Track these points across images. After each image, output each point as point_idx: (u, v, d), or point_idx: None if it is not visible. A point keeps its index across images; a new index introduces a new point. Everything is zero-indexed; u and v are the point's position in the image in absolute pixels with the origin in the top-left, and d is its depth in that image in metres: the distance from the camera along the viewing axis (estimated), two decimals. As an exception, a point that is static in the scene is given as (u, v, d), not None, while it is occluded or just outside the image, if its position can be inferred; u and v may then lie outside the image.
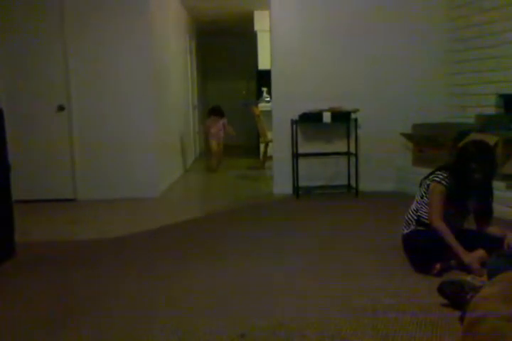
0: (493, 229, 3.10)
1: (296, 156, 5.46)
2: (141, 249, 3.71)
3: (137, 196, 5.52)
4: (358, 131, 5.52)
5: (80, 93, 5.48)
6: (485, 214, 3.13)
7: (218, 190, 6.60)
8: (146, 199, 5.47)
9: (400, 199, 5.05)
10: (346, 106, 5.45)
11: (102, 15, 5.41)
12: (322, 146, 5.66)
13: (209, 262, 3.32)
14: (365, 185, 5.62)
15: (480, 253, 2.86)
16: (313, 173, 5.69)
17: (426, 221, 3.08)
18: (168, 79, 6.67)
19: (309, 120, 5.41)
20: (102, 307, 2.63)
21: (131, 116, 5.54)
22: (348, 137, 5.65)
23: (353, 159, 5.56)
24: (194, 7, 8.58)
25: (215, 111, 8.03)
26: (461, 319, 2.15)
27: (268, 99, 8.67)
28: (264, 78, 8.21)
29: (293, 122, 5.44)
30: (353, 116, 5.39)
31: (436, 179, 3.03)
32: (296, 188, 5.55)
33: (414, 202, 3.21)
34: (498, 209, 3.72)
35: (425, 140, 5.23)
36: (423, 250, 2.98)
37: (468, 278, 2.55)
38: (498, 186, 3.98)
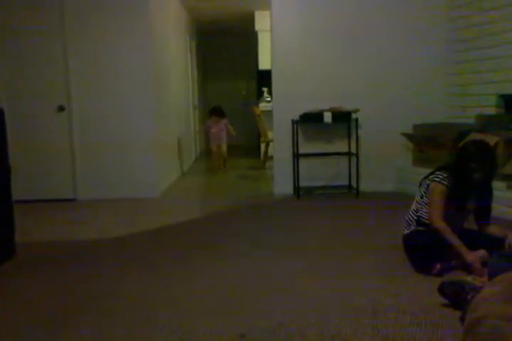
0: (493, 229, 3.09)
1: (296, 156, 5.46)
2: (141, 249, 3.70)
3: (137, 196, 5.52)
4: (359, 131, 5.52)
5: (80, 93, 5.48)
6: (485, 214, 3.13)
7: (218, 190, 6.60)
8: (146, 200, 5.47)
9: (400, 199, 5.04)
10: (347, 106, 5.45)
11: (102, 15, 5.41)
12: (323, 146, 5.66)
13: (209, 262, 3.31)
14: (365, 185, 5.62)
15: (481, 253, 2.85)
16: (313, 173, 5.69)
17: (426, 221, 3.07)
18: (168, 79, 6.67)
19: (310, 120, 5.41)
20: (102, 307, 2.63)
21: (131, 116, 5.54)
22: (349, 137, 5.65)
23: (353, 159, 5.56)
24: (194, 7, 8.58)
25: (216, 112, 7.93)
26: (462, 319, 2.15)
27: (268, 99, 8.67)
28: (264, 78, 8.22)
29: (293, 122, 5.44)
30: (353, 116, 5.39)
31: (436, 179, 3.03)
32: (296, 188, 5.55)
33: (414, 202, 3.21)
34: (499, 209, 3.72)
35: (425, 140, 5.23)
36: (423, 250, 2.98)
37: (469, 278, 2.54)
38: (499, 186, 3.98)
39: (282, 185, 5.71)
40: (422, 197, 3.14)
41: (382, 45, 5.59)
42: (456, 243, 2.89)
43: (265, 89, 9.05)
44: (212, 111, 8.00)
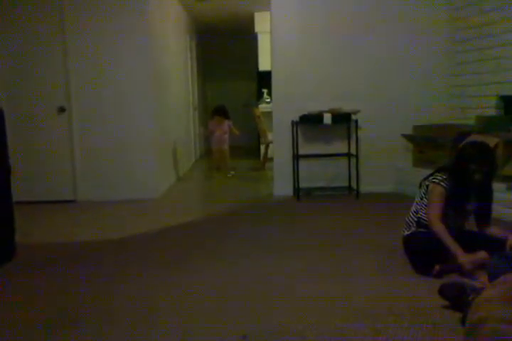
0: (494, 231, 3.09)
1: (296, 157, 5.46)
2: (141, 250, 3.70)
3: (137, 197, 5.51)
4: (359, 133, 5.52)
5: (80, 94, 5.47)
6: (485, 215, 3.13)
7: (218, 191, 6.60)
8: (147, 201, 5.47)
9: (400, 200, 5.05)
10: (346, 107, 5.45)
11: (101, 15, 5.40)
12: (322, 147, 5.66)
13: (209, 263, 3.31)
14: (365, 186, 5.62)
15: (481, 254, 2.85)
16: (313, 175, 5.68)
17: (426, 222, 3.07)
18: (168, 80, 6.67)
19: (310, 121, 5.41)
20: (102, 307, 2.63)
21: (131, 116, 5.54)
22: (349, 138, 5.65)
23: (353, 160, 5.56)
24: (194, 8, 8.58)
25: (219, 112, 7.38)
26: (463, 321, 2.15)
27: (268, 100, 8.68)
28: (264, 79, 8.21)
29: (293, 123, 5.44)
30: (353, 117, 5.39)
31: (436, 180, 3.03)
32: (296, 189, 5.55)
33: (415, 203, 3.21)
34: (499, 210, 3.72)
35: (425, 141, 5.23)
36: (423, 251, 2.98)
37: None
38: (499, 187, 3.97)
39: (282, 186, 5.71)
40: (421, 199, 3.14)
41: (382, 46, 5.59)
42: (450, 244, 2.88)
43: (265, 91, 9.05)
44: (215, 112, 7.45)
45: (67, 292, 2.88)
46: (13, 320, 2.51)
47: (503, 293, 1.77)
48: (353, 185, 5.61)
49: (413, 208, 3.21)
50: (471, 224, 3.20)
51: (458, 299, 2.37)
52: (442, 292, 2.45)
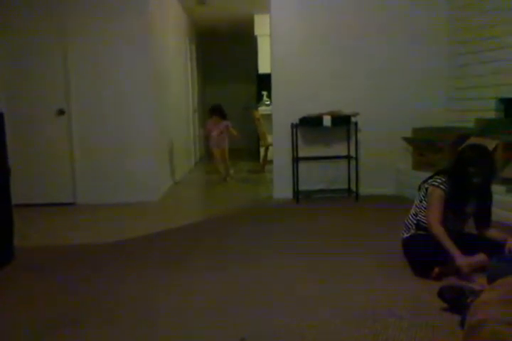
0: (494, 234, 3.09)
1: (296, 160, 5.46)
2: (141, 252, 3.70)
3: (137, 200, 5.51)
4: (358, 135, 5.52)
5: (80, 96, 5.47)
6: (484, 218, 3.13)
7: (218, 193, 6.59)
8: (146, 203, 5.46)
9: (400, 203, 5.05)
10: (346, 110, 5.45)
11: (101, 15, 5.41)
12: (322, 150, 5.66)
13: (209, 266, 3.31)
14: (365, 189, 5.62)
15: (480, 257, 2.85)
16: (313, 177, 5.68)
17: (425, 225, 3.07)
18: (168, 82, 6.67)
19: (309, 124, 5.41)
20: (102, 309, 2.63)
21: (131, 118, 5.53)
22: (348, 141, 5.65)
23: (353, 163, 5.56)
24: (194, 11, 8.60)
25: (216, 111, 7.16)
26: (462, 323, 2.15)
27: (268, 102, 8.68)
28: (264, 82, 8.23)
29: (293, 126, 5.44)
30: (353, 119, 5.40)
31: (435, 183, 3.03)
32: (296, 192, 5.55)
33: (414, 206, 3.21)
34: (499, 213, 3.72)
35: (425, 144, 5.23)
36: (423, 254, 2.97)
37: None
38: (498, 190, 3.97)
39: (282, 188, 5.71)
40: (421, 201, 3.14)
41: (382, 49, 5.60)
42: (449, 247, 2.87)
43: (265, 93, 9.06)
44: (212, 111, 7.23)
45: (67, 293, 2.88)
46: (13, 321, 2.51)
47: (502, 294, 1.77)
48: (353, 187, 5.61)
49: (412, 211, 3.21)
50: (470, 227, 3.20)
51: (457, 301, 2.37)
52: (441, 294, 2.44)
